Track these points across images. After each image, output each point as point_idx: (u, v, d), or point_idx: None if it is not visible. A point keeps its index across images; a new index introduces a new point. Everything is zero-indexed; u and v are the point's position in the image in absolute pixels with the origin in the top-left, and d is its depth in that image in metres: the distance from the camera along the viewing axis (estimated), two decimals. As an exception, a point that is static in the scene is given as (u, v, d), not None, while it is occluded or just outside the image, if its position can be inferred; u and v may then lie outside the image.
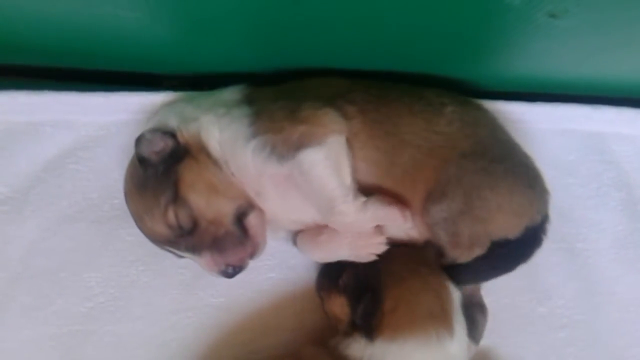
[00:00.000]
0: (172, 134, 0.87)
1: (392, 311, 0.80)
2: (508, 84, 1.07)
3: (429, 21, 0.83)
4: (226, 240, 0.87)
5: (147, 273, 0.98)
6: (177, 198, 0.85)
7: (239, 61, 1.01)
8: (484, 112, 0.97)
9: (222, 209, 0.87)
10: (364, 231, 0.87)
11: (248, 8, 0.82)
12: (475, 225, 0.85)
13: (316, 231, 0.91)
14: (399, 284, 0.83)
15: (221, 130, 0.88)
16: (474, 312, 0.94)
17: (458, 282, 0.89)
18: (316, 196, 0.85)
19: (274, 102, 0.89)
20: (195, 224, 0.86)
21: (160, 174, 0.86)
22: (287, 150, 0.84)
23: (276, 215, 0.92)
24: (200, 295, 0.98)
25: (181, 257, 0.90)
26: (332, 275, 0.91)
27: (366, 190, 0.87)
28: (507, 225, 0.86)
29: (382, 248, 0.86)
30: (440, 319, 0.82)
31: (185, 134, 0.88)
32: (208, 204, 0.86)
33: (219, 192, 0.87)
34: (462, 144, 0.88)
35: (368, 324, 0.80)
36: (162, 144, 0.86)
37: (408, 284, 0.83)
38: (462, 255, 0.88)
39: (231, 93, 0.94)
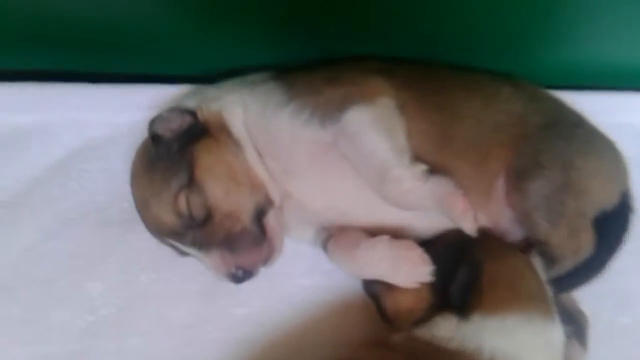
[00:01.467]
0: (191, 113, 0.79)
1: (491, 286, 0.69)
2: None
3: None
4: (241, 239, 0.75)
5: (159, 282, 0.86)
6: (191, 182, 0.75)
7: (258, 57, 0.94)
8: (538, 89, 0.90)
9: (242, 202, 0.77)
10: (420, 207, 0.74)
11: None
12: (579, 199, 0.76)
13: (353, 241, 0.77)
14: (498, 259, 0.72)
15: (246, 107, 0.81)
16: (578, 317, 0.83)
17: (578, 284, 0.82)
18: (366, 162, 0.74)
19: (309, 74, 0.82)
20: (208, 215, 0.75)
21: (174, 152, 0.76)
22: (330, 111, 0.75)
23: (307, 200, 0.80)
24: (221, 305, 0.84)
25: (184, 254, 0.78)
26: None
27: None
28: (605, 194, 0.78)
29: (427, 278, 0.71)
30: (542, 303, 0.71)
31: (205, 113, 0.80)
32: (227, 194, 0.76)
33: (239, 181, 0.77)
34: (534, 119, 0.82)
35: (464, 298, 0.68)
36: (179, 121, 0.78)
37: (508, 261, 0.73)
38: (569, 246, 0.76)
39: (257, 76, 0.86)
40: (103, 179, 0.92)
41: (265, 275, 0.83)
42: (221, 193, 0.75)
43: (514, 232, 0.81)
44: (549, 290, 0.74)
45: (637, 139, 1.00)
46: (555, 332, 0.70)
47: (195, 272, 0.85)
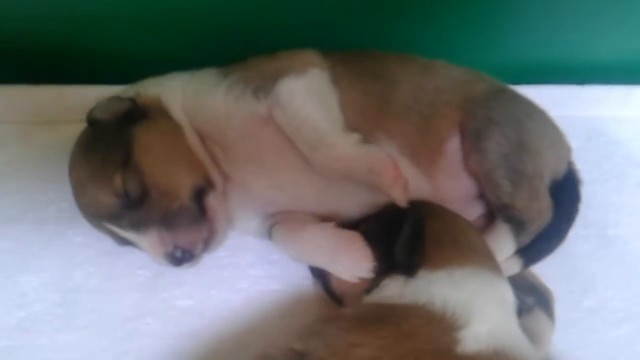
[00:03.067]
0: (131, 99, 0.79)
1: (435, 244, 0.67)
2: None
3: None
4: (179, 217, 0.73)
5: (97, 275, 0.81)
6: (128, 161, 0.72)
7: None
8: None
9: (180, 181, 0.75)
10: (351, 176, 0.72)
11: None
12: (535, 159, 0.77)
13: (299, 225, 0.76)
14: (440, 219, 0.71)
15: (185, 91, 0.81)
16: (542, 291, 0.81)
17: (542, 254, 0.80)
18: (299, 131, 0.73)
19: (247, 59, 0.83)
20: (145, 194, 0.72)
21: (112, 134, 0.75)
22: (263, 83, 0.76)
23: (249, 180, 0.79)
24: (164, 297, 0.80)
25: (123, 243, 0.75)
26: None
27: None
28: (555, 158, 0.81)
29: (366, 274, 0.68)
30: (487, 259, 0.69)
31: (144, 98, 0.80)
32: (164, 173, 0.74)
33: (177, 161, 0.76)
34: (478, 85, 0.83)
35: (409, 257, 0.65)
36: (117, 106, 0.77)
37: (451, 221, 0.72)
38: (532, 207, 0.76)
39: (198, 69, 0.86)
40: (43, 180, 0.89)
41: (210, 267, 0.81)
42: (158, 172, 0.73)
43: (468, 205, 0.80)
44: (493, 252, 0.72)
45: (580, 130, 1.02)
46: (505, 290, 0.67)
47: (136, 265, 0.81)
